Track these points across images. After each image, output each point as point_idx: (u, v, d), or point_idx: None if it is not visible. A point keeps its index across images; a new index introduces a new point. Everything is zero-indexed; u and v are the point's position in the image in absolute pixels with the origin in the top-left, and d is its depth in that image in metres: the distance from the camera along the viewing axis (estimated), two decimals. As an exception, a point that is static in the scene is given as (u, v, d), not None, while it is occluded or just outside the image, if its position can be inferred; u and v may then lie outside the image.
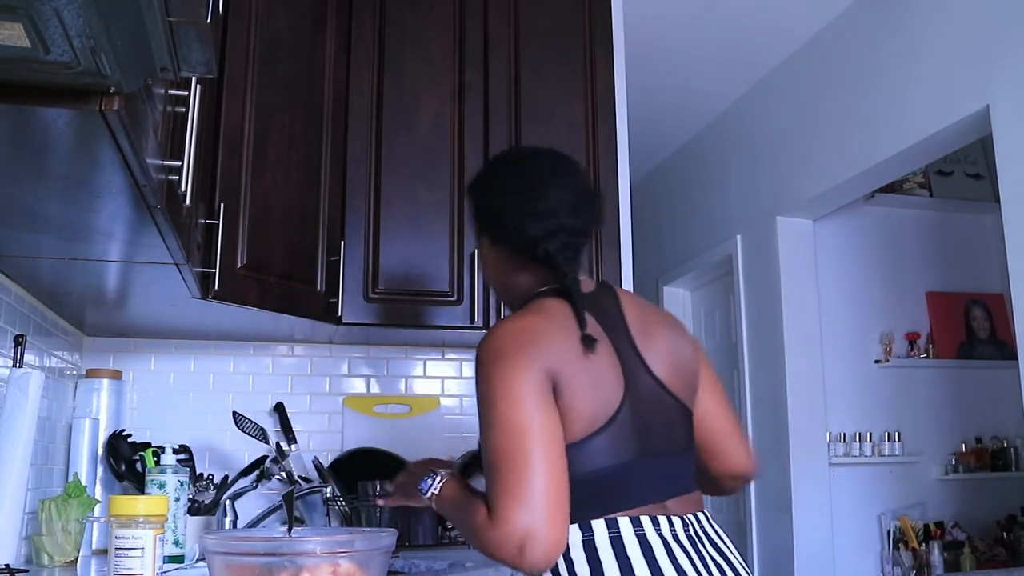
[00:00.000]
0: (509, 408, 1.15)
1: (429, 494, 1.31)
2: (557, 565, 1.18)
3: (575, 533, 1.18)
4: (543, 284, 1.32)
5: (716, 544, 1.28)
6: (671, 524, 1.22)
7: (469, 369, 2.61)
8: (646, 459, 1.23)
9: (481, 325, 2.25)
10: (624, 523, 1.19)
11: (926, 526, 3.73)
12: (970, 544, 3.74)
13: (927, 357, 3.91)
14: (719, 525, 1.36)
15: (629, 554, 1.17)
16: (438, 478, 1.31)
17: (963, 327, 4.04)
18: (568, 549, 1.18)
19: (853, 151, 3.18)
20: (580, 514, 1.17)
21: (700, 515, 1.31)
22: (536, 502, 1.10)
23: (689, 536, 1.23)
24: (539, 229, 1.29)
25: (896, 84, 2.97)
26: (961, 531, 3.79)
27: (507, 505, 1.11)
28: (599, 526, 1.19)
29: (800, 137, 3.53)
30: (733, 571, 1.25)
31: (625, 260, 2.64)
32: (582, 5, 2.50)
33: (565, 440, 1.17)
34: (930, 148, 2.91)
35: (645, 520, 1.20)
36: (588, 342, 1.20)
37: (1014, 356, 2.55)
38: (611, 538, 1.18)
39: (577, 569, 1.17)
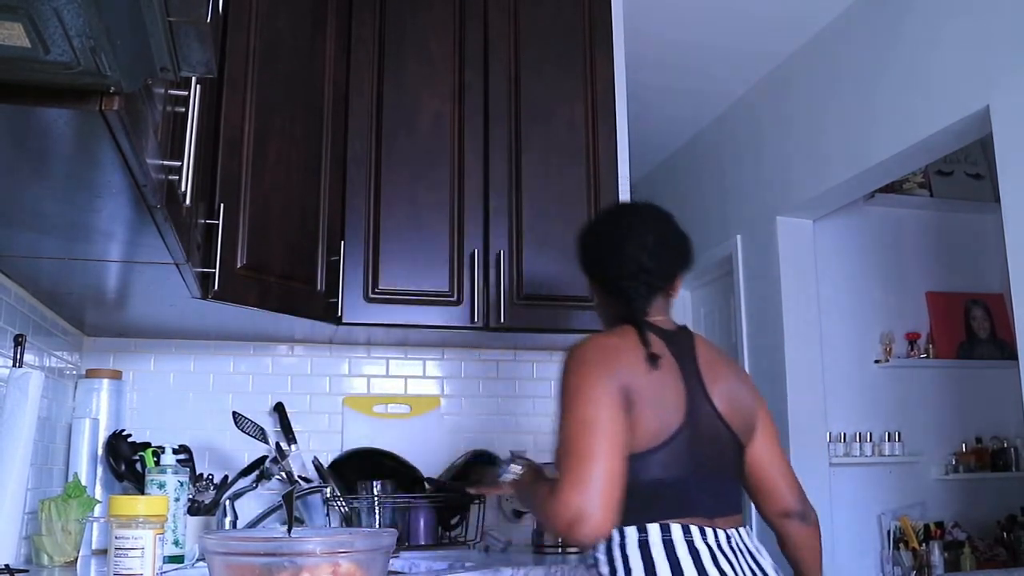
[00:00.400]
0: (584, 406, 1.36)
1: (510, 478, 1.57)
2: (614, 559, 1.37)
3: (632, 533, 1.37)
4: (627, 316, 1.52)
5: (755, 556, 1.44)
6: (716, 535, 1.39)
7: (469, 369, 2.61)
8: (699, 477, 1.41)
9: (481, 325, 2.25)
10: (676, 529, 1.37)
11: (926, 526, 3.73)
12: (970, 544, 3.74)
13: (927, 357, 3.91)
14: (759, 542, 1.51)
15: (678, 554, 1.35)
16: (516, 466, 1.56)
17: (963, 327, 4.04)
18: (625, 546, 1.37)
19: (853, 151, 3.17)
20: (636, 517, 1.37)
21: (742, 530, 1.47)
22: (591, 488, 1.30)
23: (732, 547, 1.40)
24: (618, 270, 1.53)
25: (896, 84, 2.97)
26: (961, 531, 3.79)
27: (567, 486, 1.31)
28: (654, 529, 1.37)
29: (800, 137, 3.53)
30: None
31: (625, 260, 2.65)
32: (582, 5, 2.50)
33: (630, 449, 1.36)
34: (930, 148, 2.91)
35: (694, 529, 1.38)
36: (652, 359, 1.41)
37: (1014, 356, 2.55)
38: (663, 540, 1.36)
39: (632, 564, 1.35)
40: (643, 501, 1.37)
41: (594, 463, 1.31)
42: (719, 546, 1.38)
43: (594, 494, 1.29)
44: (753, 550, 1.45)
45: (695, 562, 1.34)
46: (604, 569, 1.39)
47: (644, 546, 1.36)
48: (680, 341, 1.50)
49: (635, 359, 1.41)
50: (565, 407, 1.38)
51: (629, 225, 1.57)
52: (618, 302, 1.54)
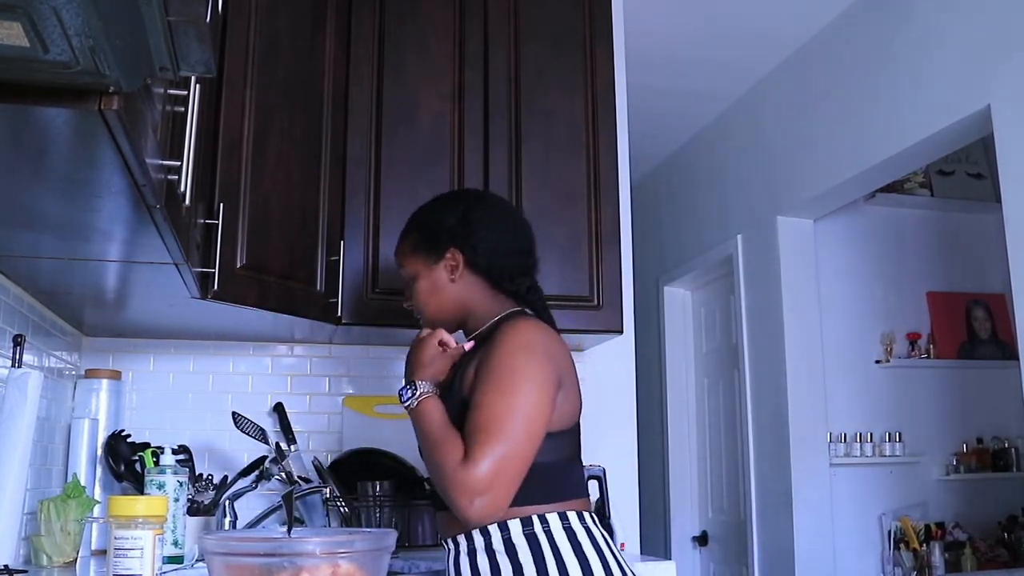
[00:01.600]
0: (524, 387, 1.38)
1: (406, 403, 1.46)
2: (536, 544, 1.38)
3: (555, 520, 1.41)
4: (507, 308, 1.55)
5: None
6: (593, 518, 1.47)
7: (469, 369, 2.60)
8: (579, 461, 1.52)
9: (481, 325, 2.25)
10: (572, 516, 1.43)
11: (927, 526, 3.72)
12: (971, 545, 3.73)
13: (928, 357, 3.91)
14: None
15: (580, 539, 1.41)
16: (419, 391, 1.46)
17: (964, 327, 4.03)
18: (551, 532, 1.40)
19: (854, 151, 3.17)
20: (542, 498, 1.40)
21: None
22: (504, 469, 1.32)
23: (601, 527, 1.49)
24: (520, 266, 1.58)
25: (897, 84, 2.97)
26: (962, 531, 3.78)
27: (486, 461, 1.31)
28: (558, 516, 1.41)
29: (801, 137, 3.53)
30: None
31: (625, 260, 2.64)
32: (582, 5, 2.50)
33: (554, 427, 1.41)
34: (931, 148, 2.90)
35: (586, 515, 1.45)
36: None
37: (1015, 356, 2.55)
38: (564, 528, 1.41)
39: (547, 551, 1.38)
40: (557, 482, 1.43)
41: (515, 447, 1.34)
42: (599, 528, 1.47)
43: (505, 480, 1.32)
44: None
45: (596, 548, 1.41)
46: (526, 556, 1.37)
47: (570, 532, 1.41)
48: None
49: (561, 343, 1.49)
50: (501, 386, 1.38)
51: (516, 216, 1.70)
52: (503, 295, 1.57)
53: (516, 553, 1.38)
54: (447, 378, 1.52)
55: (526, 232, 1.62)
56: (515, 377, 1.38)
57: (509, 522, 1.39)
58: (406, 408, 1.47)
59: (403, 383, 1.49)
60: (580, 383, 1.54)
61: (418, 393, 1.45)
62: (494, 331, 1.49)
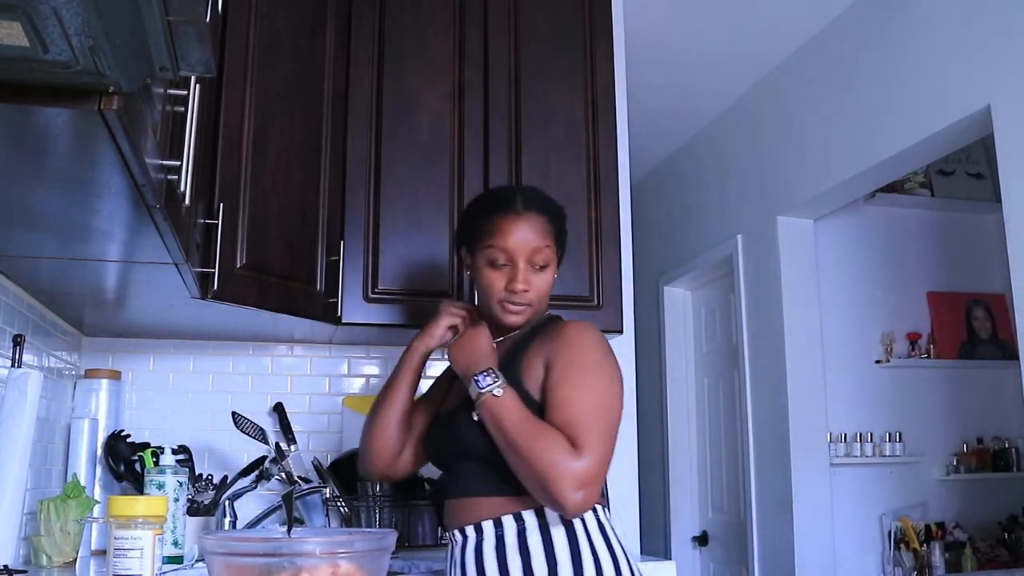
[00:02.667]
0: (612, 385, 1.41)
1: (487, 390, 1.38)
2: (607, 537, 1.43)
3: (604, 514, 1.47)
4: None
5: None
6: None
7: (469, 369, 2.60)
8: None
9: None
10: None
11: (927, 527, 3.72)
12: (971, 545, 3.73)
13: (928, 357, 3.91)
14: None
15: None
16: (500, 379, 1.40)
17: (964, 327, 4.03)
18: (611, 525, 1.46)
19: (854, 150, 3.17)
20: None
21: None
22: (605, 463, 1.34)
23: None
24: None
25: (897, 83, 2.97)
26: (962, 532, 3.78)
27: (592, 452, 1.31)
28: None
29: (801, 137, 3.53)
30: None
31: (625, 260, 2.64)
32: (582, 5, 2.50)
33: None
34: (931, 147, 2.90)
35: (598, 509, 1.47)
36: None
37: (1015, 356, 2.55)
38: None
39: (614, 543, 1.44)
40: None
41: (612, 441, 1.37)
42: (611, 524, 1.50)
43: (604, 473, 1.35)
44: None
45: (607, 543, 1.44)
46: (586, 546, 1.39)
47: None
48: None
49: None
50: (593, 383, 1.39)
51: None
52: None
53: (544, 540, 1.39)
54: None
55: None
56: (603, 375, 1.41)
57: (524, 512, 1.40)
58: (484, 395, 1.38)
59: (473, 372, 1.42)
60: None
61: (500, 381, 1.40)
62: (545, 327, 1.51)
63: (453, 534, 1.47)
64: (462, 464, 1.48)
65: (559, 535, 1.39)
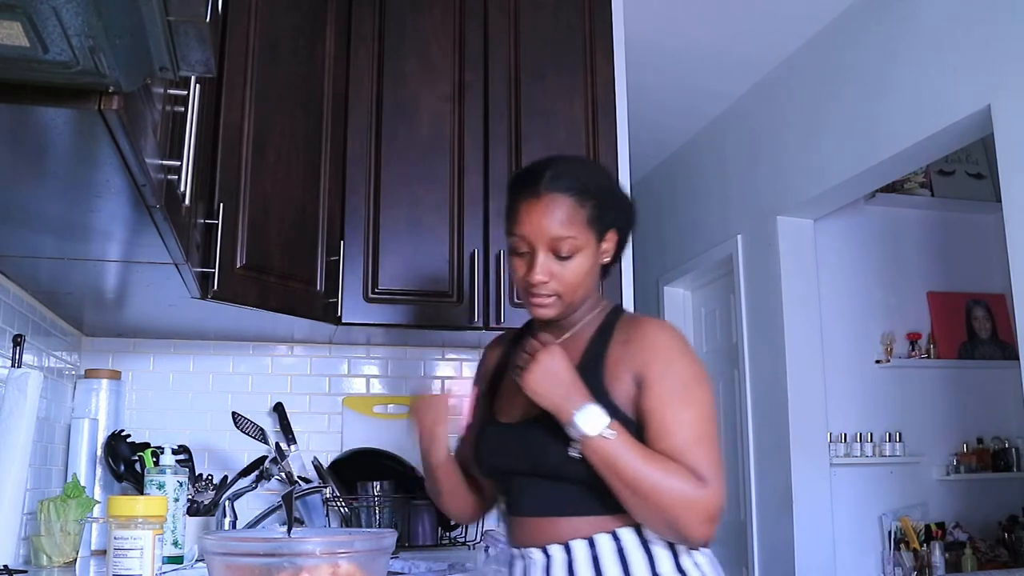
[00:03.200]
0: (710, 390, 1.30)
1: (596, 434, 1.22)
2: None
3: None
4: (600, 299, 1.44)
5: None
6: None
7: (469, 369, 2.60)
8: None
9: (481, 325, 2.25)
10: None
11: (927, 527, 3.72)
12: (971, 545, 3.73)
13: (928, 357, 3.91)
14: None
15: None
16: (606, 419, 1.23)
17: (964, 327, 4.03)
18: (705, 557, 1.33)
19: (854, 150, 3.17)
20: None
21: None
22: (724, 486, 1.24)
23: None
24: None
25: (897, 83, 2.97)
26: (962, 532, 3.78)
27: (717, 480, 1.22)
28: None
29: (801, 137, 3.53)
30: None
31: (625, 260, 2.64)
32: (582, 5, 2.50)
33: None
34: (931, 147, 2.90)
35: None
36: None
37: (1015, 356, 2.55)
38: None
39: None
40: None
41: (720, 455, 1.27)
42: None
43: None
44: None
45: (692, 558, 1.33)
46: (688, 562, 1.29)
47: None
48: None
49: None
50: (694, 398, 1.27)
51: None
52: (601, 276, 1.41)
53: (646, 556, 1.29)
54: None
55: None
56: (701, 384, 1.30)
57: (620, 530, 1.29)
58: (593, 438, 1.22)
59: (568, 410, 1.24)
60: None
61: (607, 420, 1.23)
62: (616, 326, 1.37)
63: (528, 552, 1.35)
64: (537, 482, 1.33)
65: (660, 552, 1.29)
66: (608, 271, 1.42)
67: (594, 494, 1.27)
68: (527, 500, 1.36)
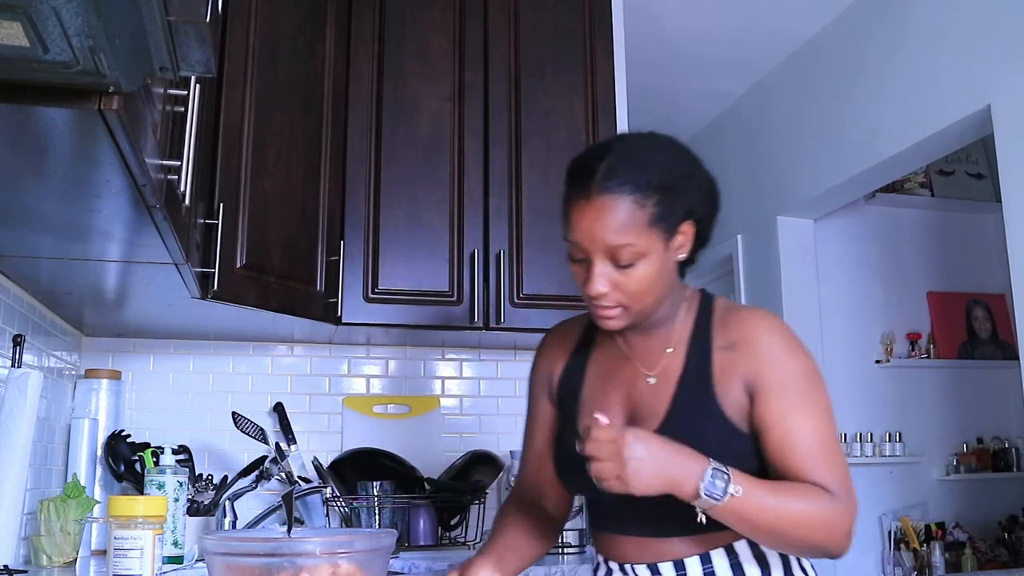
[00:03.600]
0: (825, 394, 1.18)
1: (725, 498, 1.08)
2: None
3: None
4: (686, 289, 1.29)
5: None
6: None
7: (469, 369, 2.60)
8: None
9: (481, 325, 2.25)
10: None
11: (927, 527, 3.72)
12: (971, 545, 3.73)
13: (928, 357, 3.91)
14: None
15: None
16: (728, 475, 1.09)
17: (964, 327, 4.03)
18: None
19: (854, 151, 3.17)
20: None
21: None
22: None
23: None
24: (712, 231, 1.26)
25: (897, 83, 2.97)
26: (962, 532, 3.78)
27: (849, 490, 1.15)
28: None
29: (800, 137, 3.53)
30: None
31: (626, 260, 2.64)
32: (582, 5, 2.50)
33: None
34: (931, 147, 2.90)
35: None
36: None
37: (1015, 356, 2.55)
38: None
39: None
40: None
41: (846, 464, 1.18)
42: None
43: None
44: None
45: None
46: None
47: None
48: None
49: None
50: (812, 402, 1.16)
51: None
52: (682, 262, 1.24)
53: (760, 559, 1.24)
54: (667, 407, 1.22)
55: None
56: (815, 383, 1.18)
57: (735, 544, 1.22)
58: (723, 502, 1.09)
59: (690, 486, 1.08)
60: None
61: (728, 476, 1.09)
62: (711, 322, 1.24)
63: (635, 568, 1.26)
64: (644, 504, 1.12)
65: (774, 561, 1.25)
66: (692, 262, 1.26)
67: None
68: (632, 523, 1.25)
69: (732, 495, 1.08)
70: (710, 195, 1.24)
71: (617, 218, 1.14)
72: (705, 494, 1.08)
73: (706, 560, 1.22)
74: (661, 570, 1.23)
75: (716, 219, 1.25)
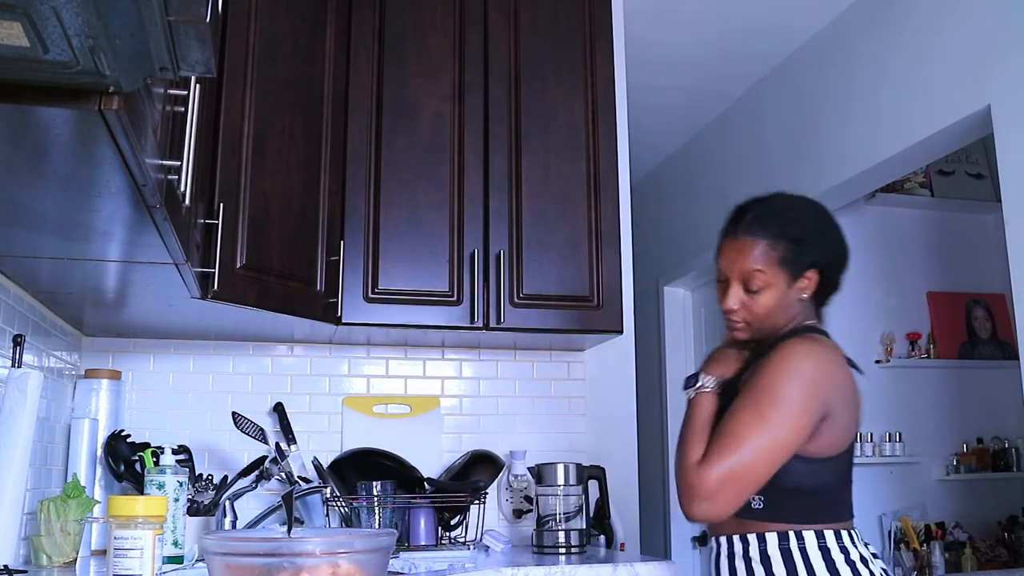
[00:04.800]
0: (779, 413, 1.40)
1: (686, 393, 1.55)
2: (793, 560, 1.44)
3: (811, 537, 1.45)
4: (799, 320, 1.55)
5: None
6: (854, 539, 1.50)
7: (469, 369, 2.61)
8: (849, 483, 1.56)
9: (481, 325, 2.25)
10: (844, 534, 1.48)
11: (927, 527, 3.72)
12: (971, 545, 3.73)
13: (928, 357, 3.91)
14: None
15: (834, 559, 1.45)
16: (699, 384, 1.53)
17: (964, 327, 4.03)
18: (806, 549, 1.44)
19: (853, 151, 3.17)
20: (814, 518, 1.46)
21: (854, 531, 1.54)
22: (731, 481, 1.38)
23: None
24: (841, 280, 1.59)
25: (897, 83, 2.97)
26: (962, 532, 3.78)
27: (715, 467, 1.38)
28: (831, 535, 1.46)
29: (800, 137, 3.53)
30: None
31: (625, 260, 2.64)
32: (582, 5, 2.50)
33: (817, 455, 1.44)
34: (931, 148, 2.90)
35: (844, 534, 1.48)
36: (855, 368, 1.57)
37: (1015, 356, 2.55)
38: (839, 547, 1.46)
39: (815, 566, 1.43)
40: (820, 504, 1.48)
41: (751, 465, 1.38)
42: (859, 547, 1.49)
43: (730, 492, 1.38)
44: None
45: (851, 566, 1.44)
46: (779, 568, 1.44)
47: (825, 551, 1.44)
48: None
49: (837, 367, 1.51)
50: (759, 404, 1.40)
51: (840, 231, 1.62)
52: (801, 307, 1.55)
53: (770, 565, 1.44)
54: (732, 378, 1.55)
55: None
56: (774, 401, 1.40)
57: (767, 534, 1.45)
58: (689, 392, 1.55)
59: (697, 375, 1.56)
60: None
61: (697, 385, 1.53)
62: (775, 344, 1.49)
63: (713, 540, 1.58)
64: None
65: (780, 561, 1.45)
66: (824, 302, 1.59)
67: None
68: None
69: (688, 396, 1.54)
70: (837, 252, 1.58)
71: (753, 254, 1.49)
72: (684, 381, 1.57)
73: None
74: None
75: (843, 272, 1.60)
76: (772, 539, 1.45)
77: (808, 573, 1.42)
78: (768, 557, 1.45)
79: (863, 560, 1.47)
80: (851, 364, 1.55)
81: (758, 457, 1.38)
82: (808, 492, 1.45)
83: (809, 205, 1.60)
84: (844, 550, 1.45)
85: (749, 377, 1.48)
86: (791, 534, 1.45)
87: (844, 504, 1.53)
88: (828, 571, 1.42)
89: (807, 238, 1.52)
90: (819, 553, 1.44)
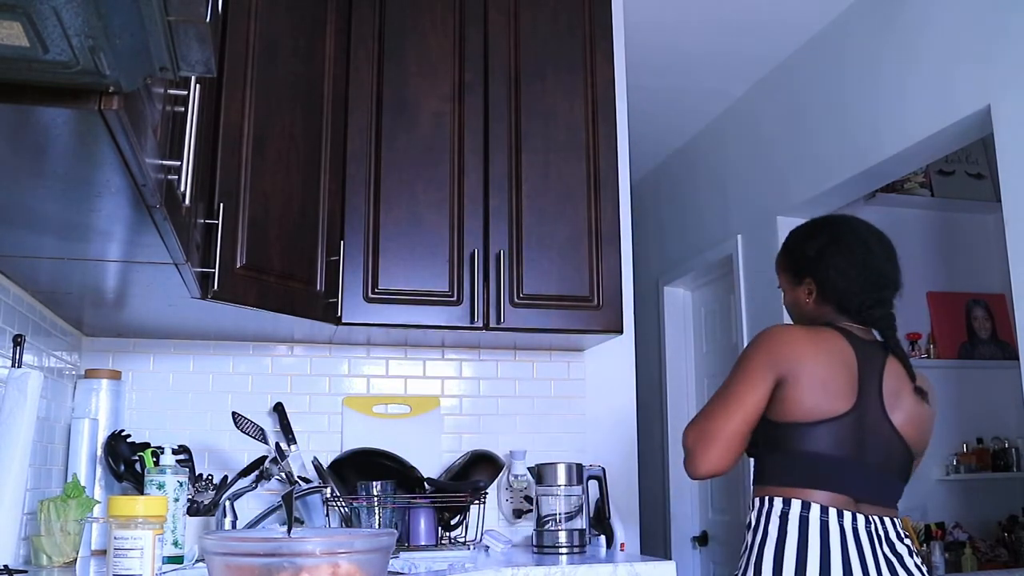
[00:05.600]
0: (735, 375, 1.63)
1: None
2: (765, 525, 1.59)
3: (779, 504, 1.58)
4: (826, 320, 1.74)
5: (895, 547, 1.64)
6: (854, 518, 1.58)
7: (469, 369, 2.61)
8: (857, 462, 1.60)
9: (481, 325, 2.25)
10: (814, 507, 1.56)
11: (927, 527, 3.72)
12: (971, 545, 3.73)
13: (928, 357, 3.91)
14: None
15: (809, 533, 1.54)
16: None
17: (964, 327, 4.03)
18: (770, 513, 1.58)
19: (853, 151, 3.17)
20: (793, 481, 1.57)
21: (887, 519, 1.67)
22: (700, 440, 1.60)
23: (868, 532, 1.60)
24: (872, 299, 1.83)
25: (897, 83, 2.97)
26: (962, 532, 3.78)
27: (689, 428, 1.63)
28: (796, 503, 1.56)
29: (800, 137, 3.53)
30: (906, 571, 1.59)
31: (625, 260, 2.64)
32: (582, 5, 2.50)
33: (788, 419, 1.57)
34: (931, 147, 2.90)
35: (832, 510, 1.56)
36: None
37: (1015, 356, 2.55)
38: (801, 516, 1.56)
39: (772, 532, 1.57)
40: (800, 469, 1.58)
41: (715, 424, 1.59)
42: (854, 528, 1.57)
43: (702, 448, 1.59)
44: (896, 541, 1.65)
45: (823, 543, 1.53)
46: (750, 535, 1.63)
47: (783, 518, 1.57)
48: (871, 348, 1.74)
49: (809, 342, 1.63)
50: (731, 375, 1.64)
51: (872, 250, 1.89)
52: (829, 310, 1.77)
53: (758, 526, 1.60)
54: None
55: (880, 267, 1.83)
56: (734, 370, 1.64)
57: (764, 497, 1.62)
58: None
59: None
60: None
61: None
62: None
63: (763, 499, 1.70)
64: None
65: (763, 523, 1.62)
66: (846, 308, 1.77)
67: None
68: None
69: None
70: (836, 270, 1.75)
71: (778, 264, 1.85)
72: None
73: (753, 503, 1.67)
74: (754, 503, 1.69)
75: (841, 284, 1.75)
76: (757, 503, 1.63)
77: (762, 537, 1.58)
78: (750, 521, 1.64)
79: (842, 542, 1.53)
80: (898, 356, 1.79)
81: (720, 415, 1.59)
82: (794, 456, 1.58)
83: (819, 226, 1.83)
84: (824, 524, 1.54)
85: None
86: (776, 499, 1.59)
87: (835, 476, 1.58)
88: (797, 543, 1.53)
89: (802, 253, 1.77)
90: (778, 520, 1.56)
